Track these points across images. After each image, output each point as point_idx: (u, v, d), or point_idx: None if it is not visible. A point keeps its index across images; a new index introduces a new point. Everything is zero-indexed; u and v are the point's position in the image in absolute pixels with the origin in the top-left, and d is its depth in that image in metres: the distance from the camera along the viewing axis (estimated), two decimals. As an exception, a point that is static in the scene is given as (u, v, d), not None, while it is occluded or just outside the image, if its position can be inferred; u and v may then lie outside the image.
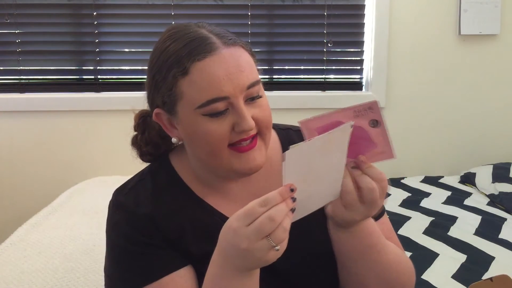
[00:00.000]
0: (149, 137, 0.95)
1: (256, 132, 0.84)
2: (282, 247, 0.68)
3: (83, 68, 2.40)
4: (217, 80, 0.78)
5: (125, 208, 0.88)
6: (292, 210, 0.69)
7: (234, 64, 0.79)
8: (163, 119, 0.87)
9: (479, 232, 1.70)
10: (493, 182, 2.12)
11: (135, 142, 0.97)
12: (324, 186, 0.75)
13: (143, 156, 0.97)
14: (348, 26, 2.45)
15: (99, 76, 2.39)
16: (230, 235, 0.69)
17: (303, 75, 2.47)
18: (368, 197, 0.76)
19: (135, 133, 0.98)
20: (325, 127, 0.73)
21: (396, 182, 2.25)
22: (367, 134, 0.73)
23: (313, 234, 0.90)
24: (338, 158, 0.73)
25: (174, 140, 0.89)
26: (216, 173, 0.89)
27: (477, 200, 2.03)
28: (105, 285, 0.89)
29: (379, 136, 0.74)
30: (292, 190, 0.68)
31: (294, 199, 0.69)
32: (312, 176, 0.71)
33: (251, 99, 0.82)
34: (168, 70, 0.81)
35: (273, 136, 0.98)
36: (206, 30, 0.83)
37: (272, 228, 0.66)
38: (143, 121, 0.95)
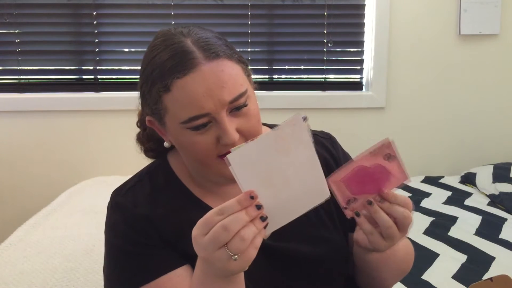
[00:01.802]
0: (150, 134, 0.97)
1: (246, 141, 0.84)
2: (246, 257, 0.66)
3: (83, 68, 2.40)
4: (198, 97, 0.78)
5: (123, 209, 0.88)
6: (263, 218, 0.67)
7: (214, 80, 0.79)
8: (156, 125, 0.89)
9: (479, 232, 1.70)
10: (494, 182, 2.12)
11: (139, 138, 0.99)
12: (301, 188, 0.71)
13: (146, 152, 0.98)
14: (348, 26, 2.44)
15: (98, 76, 2.39)
16: (194, 244, 0.69)
17: (303, 75, 2.47)
18: (403, 224, 0.79)
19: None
20: (349, 175, 0.77)
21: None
22: (384, 168, 0.78)
23: (323, 222, 0.93)
24: (306, 156, 0.70)
25: (166, 144, 0.90)
26: (207, 178, 0.90)
27: (478, 200, 2.03)
28: (104, 285, 0.90)
29: (394, 166, 0.78)
30: (252, 198, 0.66)
31: (259, 207, 0.67)
32: (279, 179, 0.69)
33: (237, 109, 0.82)
34: (152, 84, 0.82)
35: None
36: (191, 40, 0.81)
37: (228, 238, 0.65)
38: (144, 118, 0.96)
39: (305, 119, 0.69)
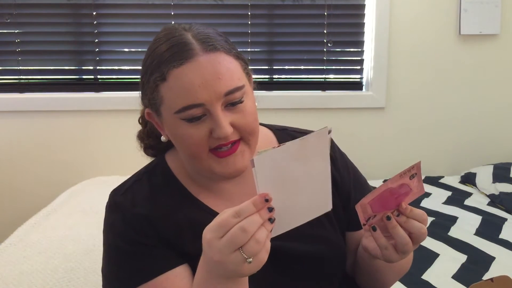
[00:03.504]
0: (150, 130, 0.97)
1: (240, 138, 0.84)
2: (259, 260, 0.66)
3: (83, 68, 2.40)
4: (192, 87, 0.79)
5: (121, 209, 0.88)
6: (271, 220, 0.68)
7: (211, 71, 0.79)
8: (154, 118, 0.89)
9: (479, 232, 1.70)
10: (494, 182, 2.12)
11: (140, 135, 0.99)
12: (309, 198, 0.72)
13: (146, 149, 0.99)
14: (348, 26, 2.44)
15: (98, 76, 2.39)
16: (205, 247, 0.69)
17: (303, 75, 2.47)
18: (419, 239, 0.80)
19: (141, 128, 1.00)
20: (376, 198, 0.78)
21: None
22: (407, 186, 0.79)
23: (321, 221, 0.93)
24: (321, 167, 0.72)
25: (163, 138, 0.91)
26: (202, 174, 0.90)
27: (478, 200, 2.03)
28: (103, 285, 0.90)
29: (415, 182, 0.80)
30: (267, 200, 0.67)
31: (271, 209, 0.67)
32: (291, 186, 0.70)
33: (232, 104, 0.82)
34: (150, 74, 0.83)
35: (271, 136, 1.00)
36: (191, 34, 0.83)
37: (245, 240, 0.65)
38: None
39: (329, 132, 0.71)
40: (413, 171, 0.79)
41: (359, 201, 0.78)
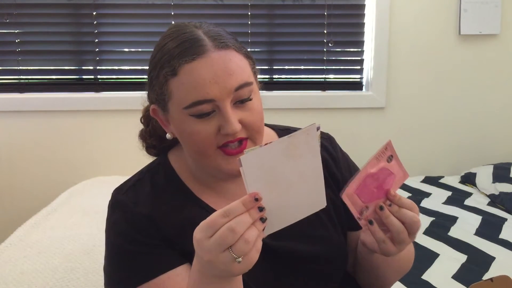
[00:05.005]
0: (153, 130, 0.97)
1: (247, 136, 0.84)
2: (249, 260, 0.66)
3: (83, 68, 2.39)
4: (203, 83, 0.79)
5: (123, 207, 0.88)
6: (263, 220, 0.67)
7: (222, 67, 0.80)
8: (159, 115, 0.89)
9: (479, 232, 1.70)
10: (494, 182, 2.12)
11: (141, 135, 0.99)
12: (301, 195, 0.72)
13: (148, 149, 0.99)
14: (348, 26, 2.44)
15: (98, 76, 2.39)
16: (195, 246, 0.69)
17: (303, 75, 2.47)
18: (413, 228, 0.80)
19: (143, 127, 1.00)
20: (361, 185, 0.78)
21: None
22: (388, 170, 0.79)
23: (321, 220, 0.94)
24: (312, 164, 0.71)
25: (168, 136, 0.90)
26: (206, 172, 0.90)
27: (478, 200, 2.03)
28: (104, 284, 0.90)
29: (395, 166, 0.80)
30: (256, 200, 0.67)
31: (261, 209, 0.67)
32: (282, 184, 0.69)
33: (241, 102, 0.82)
34: (160, 69, 0.83)
35: (273, 137, 1.00)
36: (202, 31, 0.83)
37: (234, 240, 0.65)
38: (148, 114, 0.96)
39: (318, 129, 0.71)
40: (388, 153, 0.78)
41: (344, 191, 0.78)
